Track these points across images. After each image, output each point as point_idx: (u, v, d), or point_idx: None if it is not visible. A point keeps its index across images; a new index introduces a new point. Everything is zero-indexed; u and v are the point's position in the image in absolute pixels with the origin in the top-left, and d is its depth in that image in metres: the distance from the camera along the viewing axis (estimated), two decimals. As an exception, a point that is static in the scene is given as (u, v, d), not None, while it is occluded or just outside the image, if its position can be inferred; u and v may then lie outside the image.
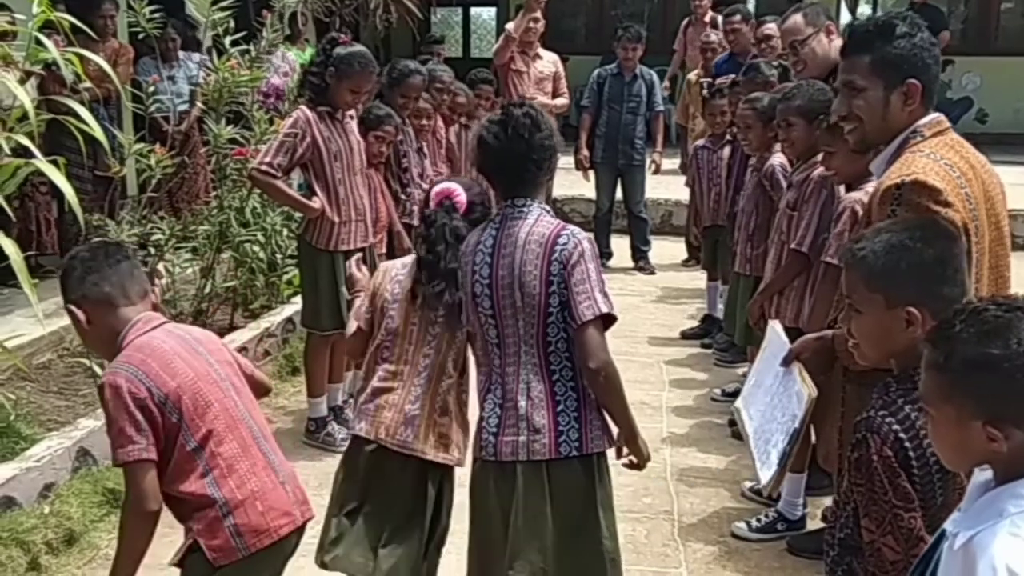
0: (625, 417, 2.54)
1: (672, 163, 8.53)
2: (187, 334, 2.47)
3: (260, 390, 2.65)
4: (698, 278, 7.24)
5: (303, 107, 4.32)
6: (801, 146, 3.93)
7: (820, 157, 3.69)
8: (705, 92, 7.24)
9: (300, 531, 2.47)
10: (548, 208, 2.56)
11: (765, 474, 2.49)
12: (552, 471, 2.46)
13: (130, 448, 2.25)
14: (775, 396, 2.65)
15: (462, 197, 2.77)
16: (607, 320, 2.44)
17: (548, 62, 7.36)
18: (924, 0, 11.71)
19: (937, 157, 2.39)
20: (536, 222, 2.47)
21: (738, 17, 7.18)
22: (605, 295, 2.42)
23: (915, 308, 1.91)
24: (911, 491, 1.82)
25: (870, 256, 1.97)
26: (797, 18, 4.01)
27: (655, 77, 7.82)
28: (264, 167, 4.25)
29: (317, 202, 4.29)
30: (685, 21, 9.56)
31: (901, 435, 1.84)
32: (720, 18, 8.02)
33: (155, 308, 2.49)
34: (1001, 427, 1.48)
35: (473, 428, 2.64)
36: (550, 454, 2.45)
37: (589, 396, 2.50)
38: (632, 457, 2.60)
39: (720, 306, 5.95)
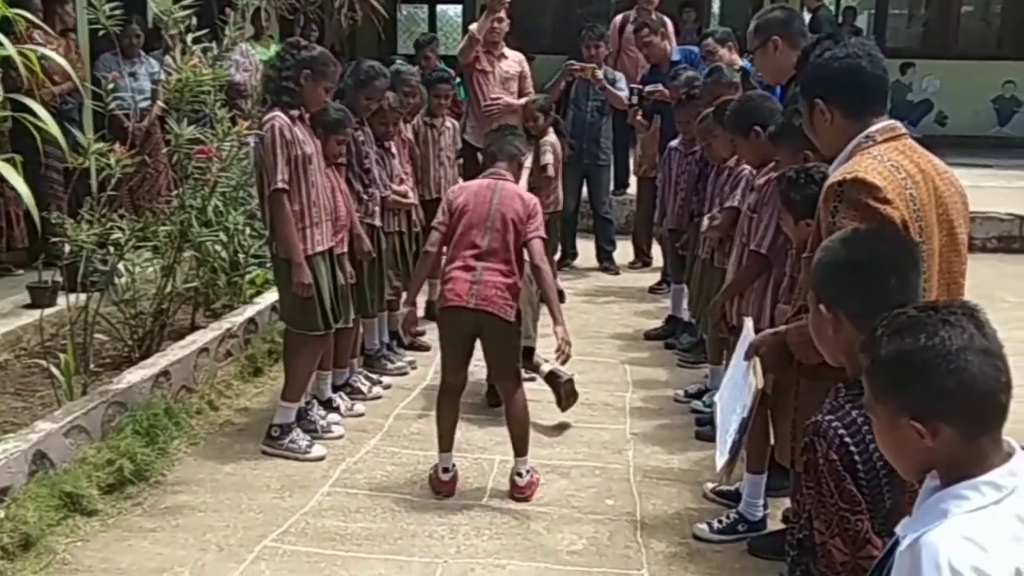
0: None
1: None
2: (490, 192, 4.01)
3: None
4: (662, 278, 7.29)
5: (278, 113, 4.23)
6: (752, 156, 4.14)
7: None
8: (633, 99, 7.39)
9: (468, 311, 3.87)
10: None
11: (720, 461, 2.74)
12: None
13: (434, 223, 4.10)
14: (737, 389, 2.79)
15: None
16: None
17: (513, 62, 7.34)
18: (819, 4, 11.55)
19: (884, 159, 2.45)
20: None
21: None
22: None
23: (826, 307, 2.03)
24: (857, 494, 1.86)
25: (816, 254, 2.13)
26: (749, 31, 4.10)
27: (618, 75, 7.84)
28: (282, 185, 4.17)
29: (307, 276, 4.24)
30: (620, 19, 8.84)
31: (847, 439, 1.88)
32: (667, 19, 8.16)
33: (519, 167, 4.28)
34: (925, 422, 1.52)
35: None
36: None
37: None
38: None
39: (684, 307, 5.99)
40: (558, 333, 3.88)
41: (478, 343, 4.06)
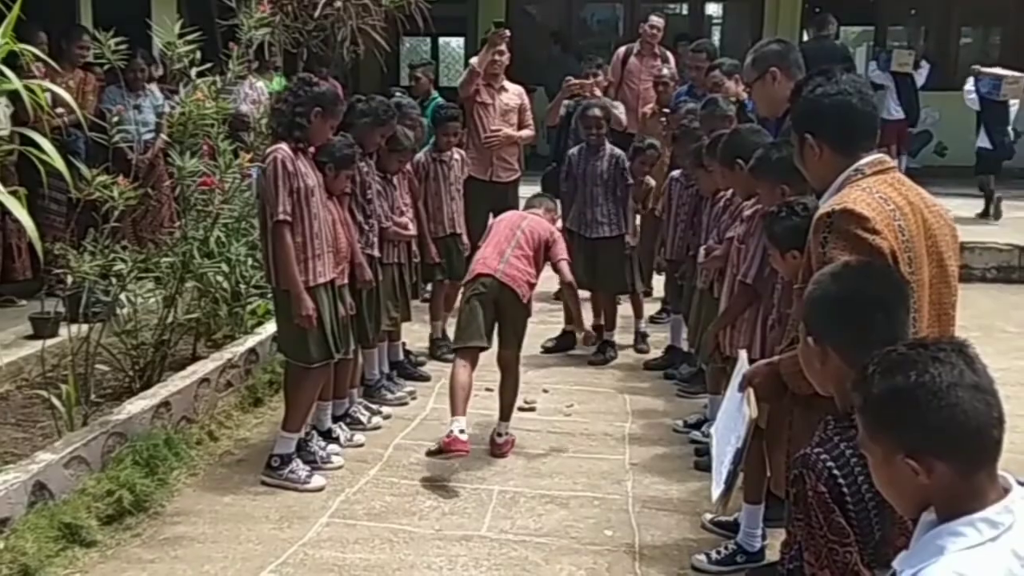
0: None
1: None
2: (522, 218, 5.04)
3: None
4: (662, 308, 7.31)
5: (282, 146, 4.28)
6: (738, 188, 4.23)
7: None
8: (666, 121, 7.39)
9: (488, 279, 4.70)
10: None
11: (715, 492, 2.78)
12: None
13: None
14: (732, 420, 2.81)
15: None
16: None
17: (513, 94, 7.41)
18: (825, 34, 10.69)
19: (873, 191, 2.49)
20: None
21: (704, 55, 7.38)
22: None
23: (815, 340, 2.06)
24: (846, 527, 1.87)
25: (808, 287, 2.15)
26: (747, 64, 4.14)
27: (618, 105, 7.89)
28: (284, 216, 4.21)
29: (308, 307, 4.25)
30: (623, 51, 8.94)
31: (835, 472, 1.89)
32: (668, 53, 8.18)
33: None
34: (920, 459, 1.52)
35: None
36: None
37: None
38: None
39: (684, 337, 6.00)
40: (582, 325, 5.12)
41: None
